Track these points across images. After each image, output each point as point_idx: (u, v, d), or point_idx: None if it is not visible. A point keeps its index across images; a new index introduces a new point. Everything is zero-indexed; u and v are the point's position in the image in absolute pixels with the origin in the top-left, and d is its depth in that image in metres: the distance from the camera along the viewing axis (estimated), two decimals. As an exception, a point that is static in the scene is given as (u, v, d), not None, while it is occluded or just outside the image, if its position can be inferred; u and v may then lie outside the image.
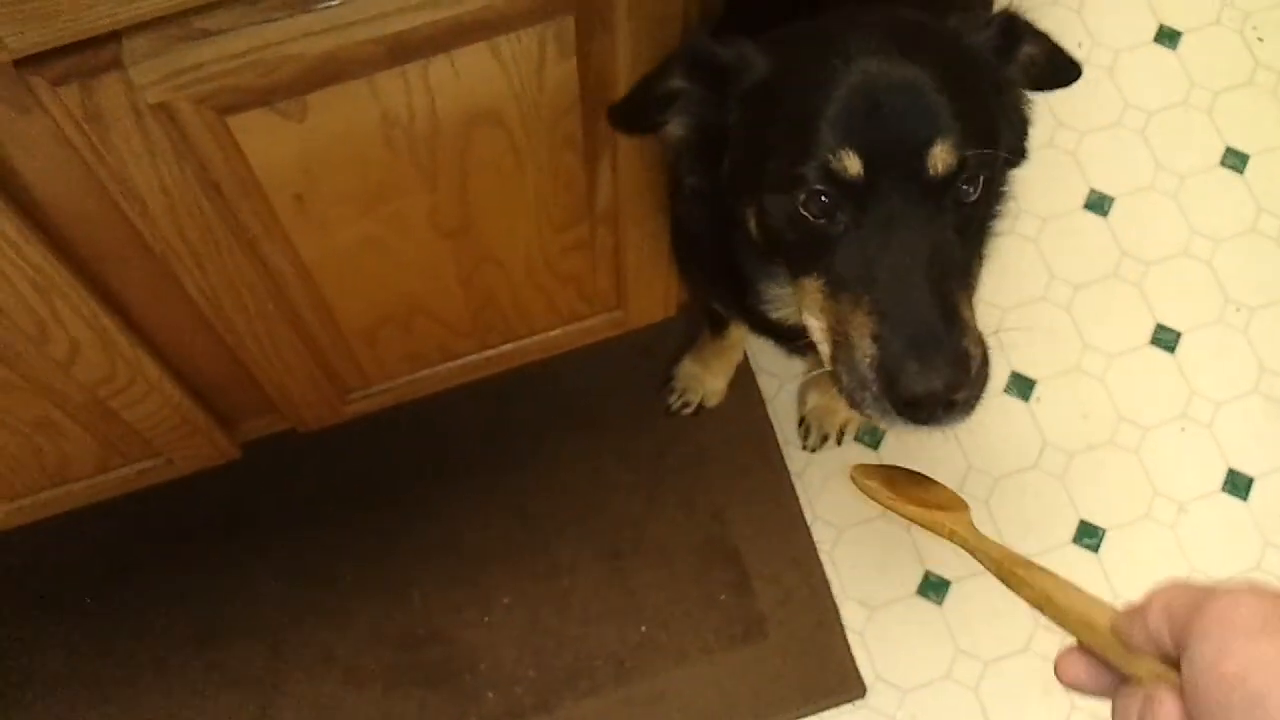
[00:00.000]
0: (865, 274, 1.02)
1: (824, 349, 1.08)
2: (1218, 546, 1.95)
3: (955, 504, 0.99)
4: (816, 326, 1.09)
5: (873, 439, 2.00)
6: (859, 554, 1.94)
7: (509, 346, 1.71)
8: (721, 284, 1.42)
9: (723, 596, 1.89)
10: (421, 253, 1.38)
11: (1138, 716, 0.71)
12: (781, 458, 1.98)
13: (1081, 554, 1.93)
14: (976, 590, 1.91)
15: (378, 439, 1.94)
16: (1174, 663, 0.69)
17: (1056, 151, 2.18)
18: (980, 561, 0.91)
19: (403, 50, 1.04)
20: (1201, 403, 2.03)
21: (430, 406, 1.84)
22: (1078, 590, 0.81)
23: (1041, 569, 0.85)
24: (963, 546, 0.94)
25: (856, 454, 1.99)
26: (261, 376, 1.55)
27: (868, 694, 1.85)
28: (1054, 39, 1.16)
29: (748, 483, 1.96)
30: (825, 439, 1.98)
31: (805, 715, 1.85)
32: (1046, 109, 2.21)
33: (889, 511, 1.00)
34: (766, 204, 1.09)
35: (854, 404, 1.05)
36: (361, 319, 1.49)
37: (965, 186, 1.04)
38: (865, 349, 1.01)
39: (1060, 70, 1.19)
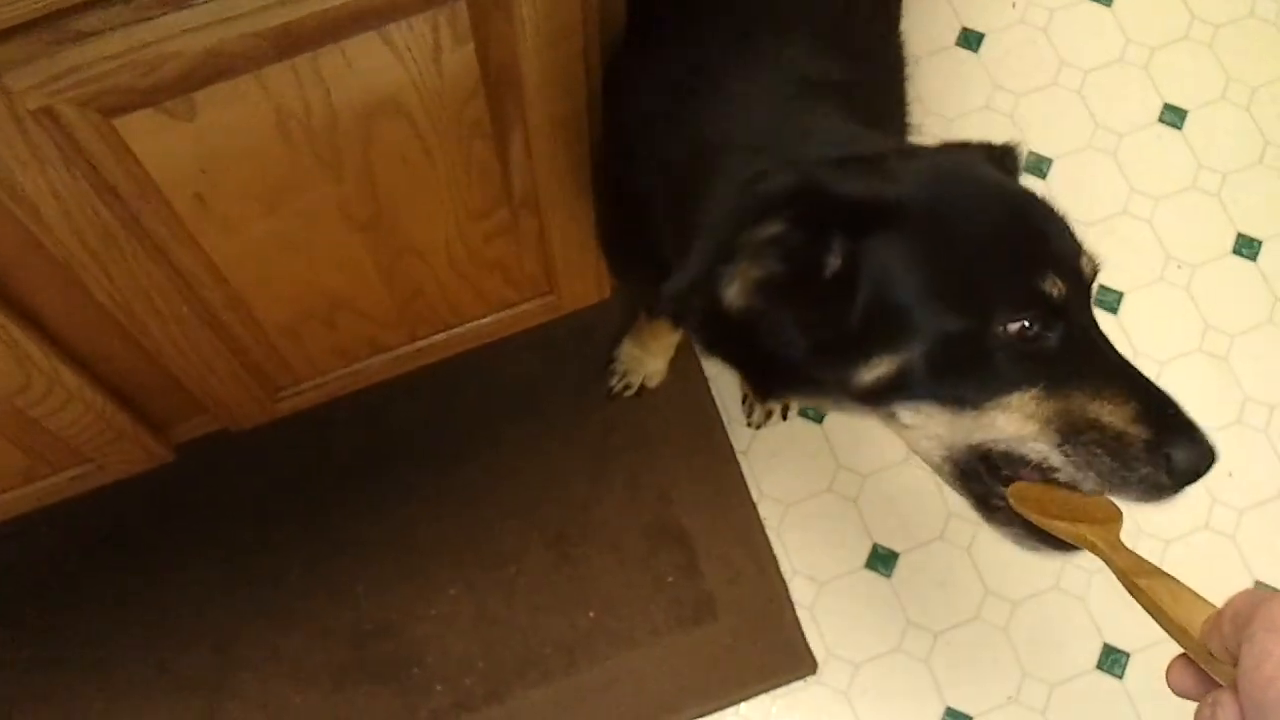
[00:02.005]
0: (1086, 373, 1.05)
1: (1037, 449, 1.05)
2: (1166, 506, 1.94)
3: (1110, 515, 1.03)
4: (1025, 429, 1.06)
5: (816, 414, 1.99)
6: (806, 529, 1.92)
7: (440, 337, 1.69)
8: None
9: (671, 578, 1.88)
10: (336, 247, 1.36)
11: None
12: (726, 436, 1.96)
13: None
14: (925, 561, 1.90)
15: (316, 434, 1.91)
16: None
17: (993, 114, 2.16)
18: (1114, 573, 0.94)
19: (289, 43, 1.02)
20: (1145, 362, 2.02)
21: (368, 399, 1.82)
22: (1186, 595, 0.84)
23: (1162, 577, 0.87)
24: (1101, 558, 0.97)
25: (801, 429, 1.98)
26: (185, 379, 1.53)
27: (819, 670, 1.85)
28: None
29: (693, 462, 1.94)
30: (769, 415, 1.97)
31: (757, 694, 1.84)
32: (983, 72, 2.19)
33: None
34: (931, 350, 1.04)
35: (1112, 488, 1.04)
36: (282, 316, 1.47)
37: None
38: (1135, 434, 1.02)
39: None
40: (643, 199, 1.29)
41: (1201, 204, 2.13)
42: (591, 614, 1.86)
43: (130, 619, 1.86)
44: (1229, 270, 2.09)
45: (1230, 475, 1.97)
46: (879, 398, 1.08)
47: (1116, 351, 1.07)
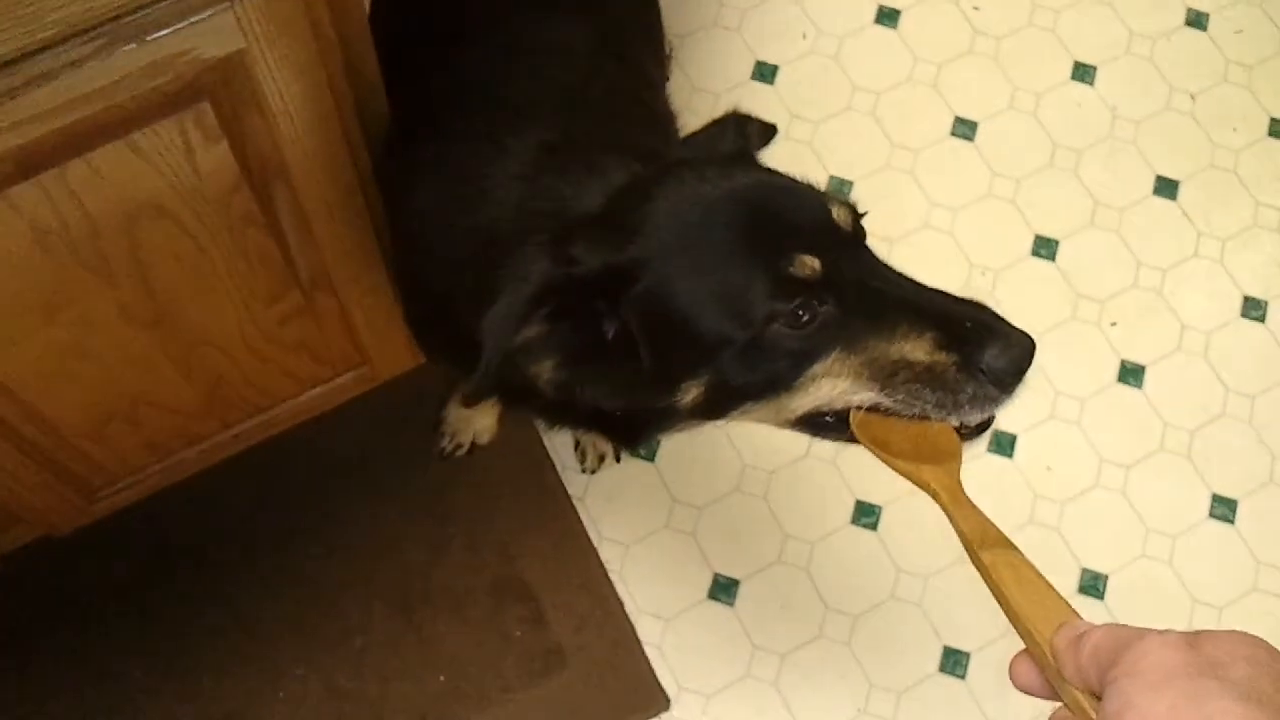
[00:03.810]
0: (875, 320, 1.06)
1: (862, 397, 1.08)
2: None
3: (952, 446, 1.04)
4: (840, 388, 1.09)
5: (649, 452, 2.02)
6: (648, 567, 1.95)
7: (255, 420, 1.68)
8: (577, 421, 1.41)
9: (518, 632, 1.89)
10: (125, 347, 1.35)
11: None
12: (561, 484, 1.98)
13: (861, 533, 1.98)
14: (765, 585, 1.94)
15: (143, 529, 1.88)
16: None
17: (793, 143, 2.22)
18: (955, 532, 0.91)
19: (30, 162, 1.02)
20: (959, 369, 2.08)
21: (195, 487, 1.80)
22: (1037, 590, 0.82)
23: (1008, 556, 0.85)
24: (943, 511, 0.95)
25: (634, 469, 2.01)
26: (-8, 493, 1.50)
27: (672, 705, 1.87)
28: (756, 116, 1.36)
29: (530, 514, 1.96)
30: (602, 459, 1.99)
31: (613, 736, 1.86)
32: (779, 103, 2.25)
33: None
34: (726, 364, 1.08)
35: (943, 411, 1.05)
36: (81, 421, 1.45)
37: (864, 234, 1.12)
38: (943, 360, 1.03)
39: (767, 133, 1.40)
40: (441, 294, 1.31)
41: (999, 210, 2.21)
42: (442, 677, 1.86)
43: (-30, 739, 1.82)
44: (1030, 271, 2.18)
45: (1049, 469, 2.04)
46: (710, 411, 1.13)
47: (902, 283, 1.09)
